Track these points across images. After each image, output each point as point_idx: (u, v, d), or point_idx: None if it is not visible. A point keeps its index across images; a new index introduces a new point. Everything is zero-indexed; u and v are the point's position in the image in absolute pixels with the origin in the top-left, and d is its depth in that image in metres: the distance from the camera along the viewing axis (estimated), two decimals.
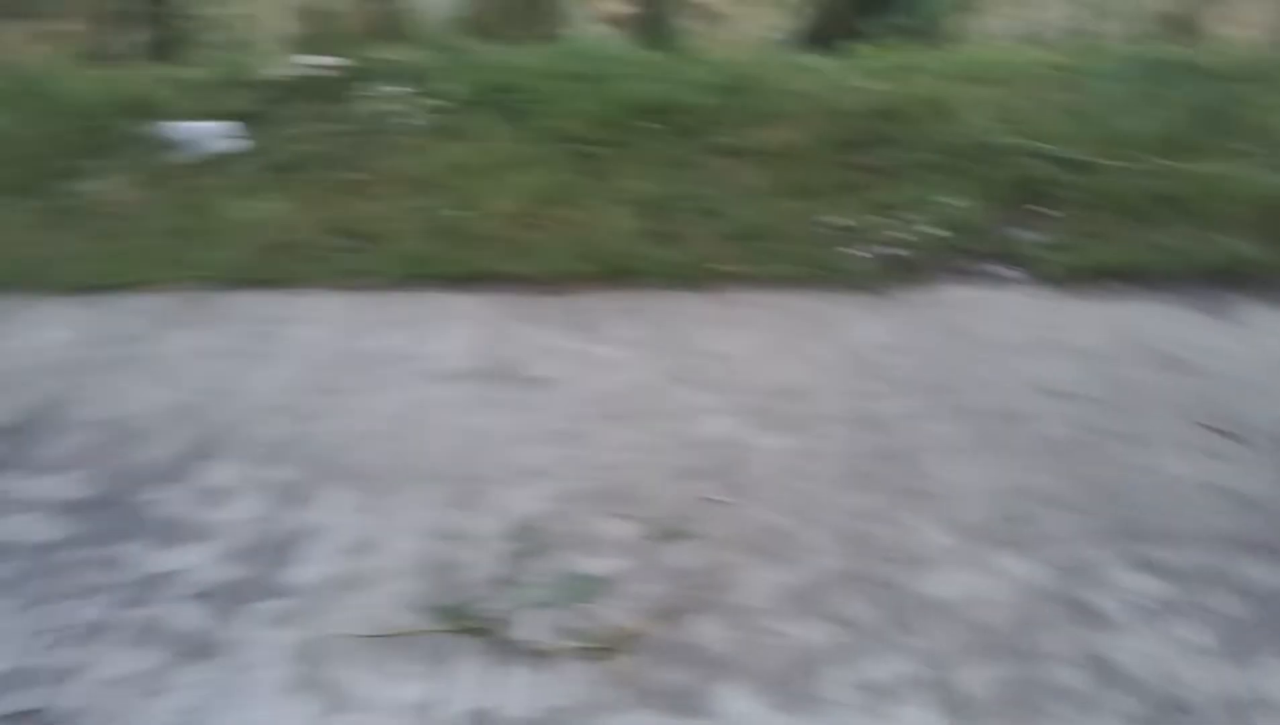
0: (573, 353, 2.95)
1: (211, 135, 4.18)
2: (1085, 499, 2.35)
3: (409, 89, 4.48)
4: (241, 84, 4.63)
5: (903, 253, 3.52)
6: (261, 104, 4.45)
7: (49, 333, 3.03)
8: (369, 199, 3.78)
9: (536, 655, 1.88)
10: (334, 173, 3.95)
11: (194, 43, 6.36)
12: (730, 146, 4.09)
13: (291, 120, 4.34)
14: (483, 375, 2.82)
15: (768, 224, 3.63)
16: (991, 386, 2.81)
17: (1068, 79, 4.74)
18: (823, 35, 6.16)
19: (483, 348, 2.96)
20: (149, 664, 1.84)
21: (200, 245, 3.49)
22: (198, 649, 1.87)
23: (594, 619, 1.96)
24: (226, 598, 2.00)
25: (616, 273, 3.38)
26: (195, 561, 2.09)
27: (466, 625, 1.93)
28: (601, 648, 1.89)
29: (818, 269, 3.43)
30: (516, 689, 1.81)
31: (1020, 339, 3.07)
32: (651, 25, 6.88)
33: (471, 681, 1.82)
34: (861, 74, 4.71)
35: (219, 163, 4.06)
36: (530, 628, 1.94)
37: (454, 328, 3.08)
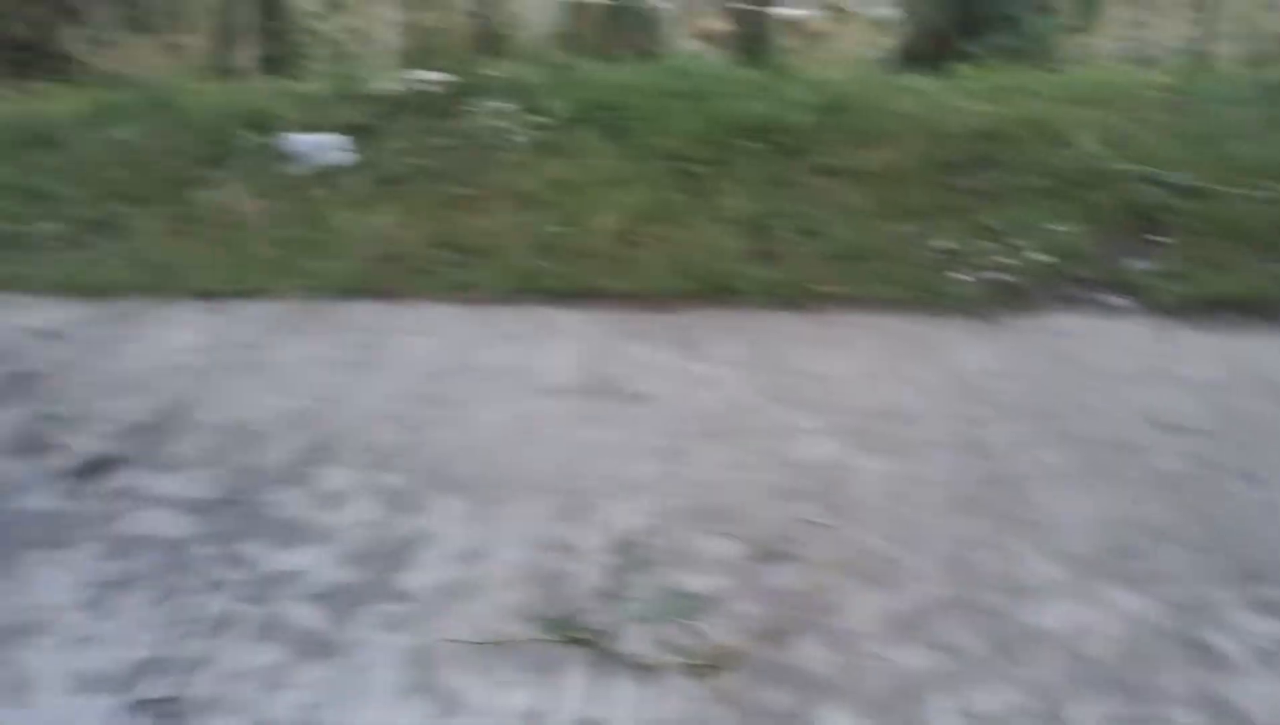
0: (674, 370, 2.98)
1: (324, 147, 4.33)
2: (1199, 535, 2.29)
3: (513, 105, 4.58)
4: (352, 98, 4.80)
5: (1008, 278, 3.47)
6: (371, 118, 4.61)
7: (176, 336, 3.19)
8: (475, 213, 3.88)
9: (642, 669, 1.90)
10: (441, 187, 4.07)
11: (306, 57, 6.60)
12: (831, 166, 4.09)
13: (400, 134, 4.48)
14: (586, 390, 2.87)
15: (869, 245, 3.62)
16: (1101, 416, 2.75)
17: (1179, 101, 4.62)
18: (923, 55, 6.11)
19: (586, 363, 3.01)
20: (271, 659, 1.92)
21: (313, 255, 3.62)
22: (317, 647, 1.94)
23: (697, 636, 1.99)
24: (343, 599, 2.07)
25: (717, 291, 3.40)
26: (313, 562, 2.18)
27: (573, 636, 1.97)
28: (705, 664, 1.91)
29: (920, 292, 3.40)
30: (622, 701, 1.84)
31: (1131, 368, 3.00)
32: (749, 43, 6.92)
33: (578, 692, 1.86)
34: (964, 94, 4.67)
35: (331, 175, 4.20)
36: (635, 641, 1.97)
37: (558, 342, 3.14)
